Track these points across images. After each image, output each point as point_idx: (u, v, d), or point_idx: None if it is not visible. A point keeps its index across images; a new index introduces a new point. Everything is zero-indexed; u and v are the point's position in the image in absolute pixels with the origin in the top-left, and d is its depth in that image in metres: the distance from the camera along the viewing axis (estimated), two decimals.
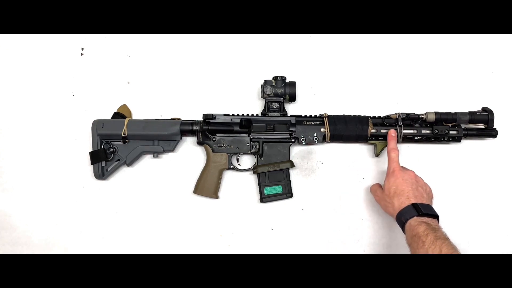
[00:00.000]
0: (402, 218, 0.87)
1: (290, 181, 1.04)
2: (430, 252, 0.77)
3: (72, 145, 1.09)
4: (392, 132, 0.99)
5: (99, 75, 1.11)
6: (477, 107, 1.03)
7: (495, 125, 1.00)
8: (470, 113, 0.99)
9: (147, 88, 1.11)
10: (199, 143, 1.04)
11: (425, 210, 0.86)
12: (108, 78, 1.11)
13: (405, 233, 0.86)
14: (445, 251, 0.76)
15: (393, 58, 1.11)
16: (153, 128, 1.02)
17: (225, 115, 1.04)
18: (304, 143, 1.02)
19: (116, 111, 1.07)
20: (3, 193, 1.09)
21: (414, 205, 0.87)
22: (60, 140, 1.10)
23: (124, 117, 1.06)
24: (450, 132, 1.00)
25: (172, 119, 1.06)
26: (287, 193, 1.04)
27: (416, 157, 1.07)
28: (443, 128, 1.00)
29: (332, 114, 1.03)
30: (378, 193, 0.98)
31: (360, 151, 1.08)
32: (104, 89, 1.11)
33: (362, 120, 1.01)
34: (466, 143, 1.05)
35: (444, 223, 1.04)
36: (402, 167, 0.96)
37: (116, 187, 1.08)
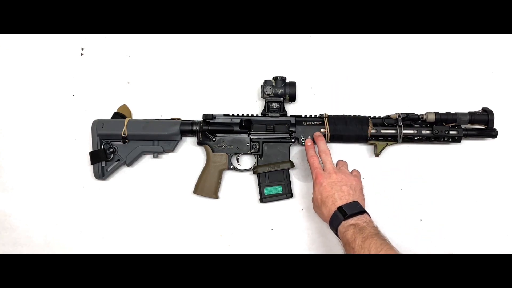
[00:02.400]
0: (332, 226, 0.85)
1: (290, 181, 1.04)
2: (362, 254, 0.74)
3: (72, 145, 1.09)
4: (308, 142, 0.98)
5: (99, 75, 1.11)
6: (477, 107, 1.03)
7: (495, 125, 1.00)
8: (470, 113, 0.99)
9: (147, 88, 1.11)
10: (199, 143, 1.04)
11: (350, 211, 0.82)
12: (108, 78, 1.11)
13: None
14: (373, 251, 0.73)
15: (393, 58, 1.11)
16: (153, 128, 1.02)
17: (225, 115, 1.04)
18: (304, 143, 1.02)
19: (116, 111, 1.07)
20: (3, 193, 1.09)
21: (339, 208, 0.83)
22: (60, 140, 1.10)
23: (124, 117, 1.06)
24: (450, 132, 1.00)
25: (172, 119, 1.06)
26: (287, 193, 1.04)
27: (416, 157, 1.07)
28: (443, 128, 1.00)
29: (332, 114, 1.03)
30: (312, 205, 0.94)
31: (360, 151, 1.08)
32: (104, 89, 1.11)
33: (362, 120, 1.01)
34: (466, 143, 1.05)
35: (444, 223, 1.05)
36: (324, 169, 0.92)
37: (116, 187, 1.08)
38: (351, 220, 0.82)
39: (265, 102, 1.03)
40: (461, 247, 1.03)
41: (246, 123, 1.02)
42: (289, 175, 1.04)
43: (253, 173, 1.05)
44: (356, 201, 0.86)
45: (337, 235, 0.85)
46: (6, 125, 1.11)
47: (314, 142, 0.99)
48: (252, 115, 1.04)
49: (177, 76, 1.11)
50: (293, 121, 1.03)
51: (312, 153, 0.96)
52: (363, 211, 0.84)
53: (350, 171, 0.97)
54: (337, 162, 0.99)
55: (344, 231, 0.80)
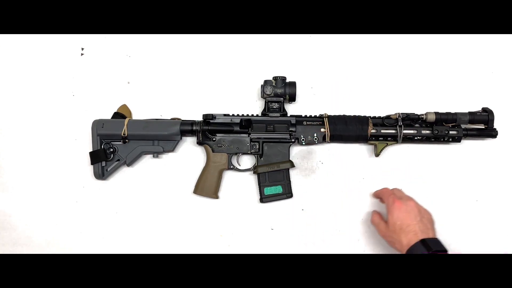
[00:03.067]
0: None
1: (290, 181, 1.04)
2: None
3: (72, 145, 1.09)
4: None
5: (99, 75, 1.11)
6: (477, 107, 1.03)
7: (495, 125, 1.00)
8: (470, 113, 0.99)
9: (147, 88, 1.11)
10: (199, 143, 1.04)
11: (434, 247, 0.83)
12: (108, 78, 1.11)
13: None
14: None
15: (393, 58, 1.11)
16: (153, 128, 1.02)
17: (225, 115, 1.04)
18: (304, 143, 1.02)
19: (116, 111, 1.07)
20: (3, 193, 1.09)
21: (423, 241, 0.84)
22: (60, 140, 1.10)
23: (124, 117, 1.06)
24: (450, 132, 1.00)
25: (172, 119, 1.06)
26: (287, 193, 1.04)
27: (416, 157, 1.07)
28: (443, 128, 1.00)
29: (332, 114, 1.03)
30: (381, 227, 0.94)
31: (360, 151, 1.08)
32: (104, 89, 1.11)
33: (362, 120, 1.01)
34: (466, 143, 1.05)
35: (445, 223, 1.05)
36: (395, 191, 0.96)
37: (116, 187, 1.08)
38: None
39: (265, 102, 1.03)
40: (461, 247, 1.03)
41: (246, 123, 1.02)
42: (289, 175, 1.04)
43: (253, 173, 1.05)
44: (438, 239, 0.86)
45: None
46: (6, 125, 1.11)
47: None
48: (252, 115, 1.04)
49: (177, 76, 1.11)
50: (293, 121, 1.03)
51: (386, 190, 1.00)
52: (445, 251, 0.84)
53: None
54: (396, 190, 1.00)
55: None
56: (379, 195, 1.01)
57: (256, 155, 1.04)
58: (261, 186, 1.04)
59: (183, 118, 1.06)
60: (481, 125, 1.01)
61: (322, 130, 1.02)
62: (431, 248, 0.82)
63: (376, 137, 1.02)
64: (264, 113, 1.04)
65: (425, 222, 0.89)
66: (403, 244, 0.86)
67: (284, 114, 1.04)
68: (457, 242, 1.04)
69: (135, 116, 1.09)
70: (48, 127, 1.10)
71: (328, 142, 1.04)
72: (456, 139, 1.01)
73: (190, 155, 1.08)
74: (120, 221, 1.07)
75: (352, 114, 1.03)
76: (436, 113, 0.99)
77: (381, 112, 1.05)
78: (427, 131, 1.00)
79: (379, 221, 0.96)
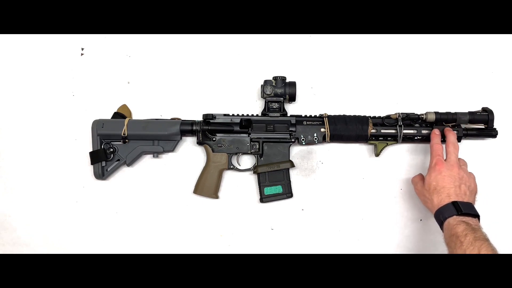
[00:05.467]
0: (440, 216, 0.86)
1: (290, 181, 1.05)
2: (468, 253, 0.75)
3: (72, 145, 1.09)
4: (436, 131, 0.98)
5: (99, 75, 1.11)
6: (477, 107, 1.03)
7: (495, 125, 1.00)
8: (470, 113, 0.99)
9: (147, 88, 1.11)
10: (199, 143, 1.04)
11: (465, 210, 0.83)
12: (108, 78, 1.11)
13: (443, 231, 0.85)
14: (484, 252, 0.75)
15: (393, 58, 1.10)
16: (153, 128, 1.02)
17: (225, 115, 1.04)
18: (304, 143, 1.02)
19: (116, 111, 1.07)
20: (3, 193, 1.09)
21: (454, 203, 0.85)
22: (60, 140, 1.10)
23: (124, 117, 1.06)
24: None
25: (172, 119, 1.06)
26: (287, 193, 1.04)
27: (416, 157, 1.07)
28: (443, 128, 1.00)
29: (332, 114, 1.03)
30: (418, 186, 0.95)
31: (360, 151, 1.08)
32: (104, 89, 1.11)
33: (362, 120, 1.01)
34: (466, 143, 1.05)
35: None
36: (446, 160, 0.92)
37: (116, 187, 1.08)
38: (464, 218, 0.83)
39: (265, 102, 1.03)
40: None
41: (246, 123, 1.02)
42: (289, 175, 1.04)
43: (253, 173, 1.05)
44: (471, 203, 0.87)
45: (440, 224, 0.86)
46: (6, 125, 1.11)
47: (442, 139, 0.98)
48: (252, 115, 1.04)
49: (177, 76, 1.11)
50: (293, 121, 1.03)
51: (437, 141, 0.96)
52: (476, 215, 0.84)
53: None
54: (459, 159, 0.96)
55: (455, 224, 0.81)
56: (432, 146, 0.97)
57: (256, 155, 1.04)
58: (261, 186, 1.04)
59: (183, 118, 1.06)
60: (481, 125, 1.01)
61: (322, 130, 1.02)
62: (461, 210, 0.83)
63: (376, 137, 1.02)
64: (264, 113, 1.04)
65: (464, 188, 0.88)
66: (434, 204, 0.88)
67: (284, 114, 1.04)
68: None
69: (135, 116, 1.09)
70: (48, 127, 1.10)
71: (328, 142, 1.04)
72: (456, 139, 1.01)
73: (190, 155, 1.08)
74: (120, 221, 1.07)
75: (352, 114, 1.03)
76: (436, 113, 0.99)
77: (381, 112, 1.05)
78: (427, 131, 1.00)
79: (418, 180, 0.97)
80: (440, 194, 0.88)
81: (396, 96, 1.09)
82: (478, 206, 1.05)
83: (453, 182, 0.88)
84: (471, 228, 0.79)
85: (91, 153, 1.03)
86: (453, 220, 0.83)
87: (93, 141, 1.03)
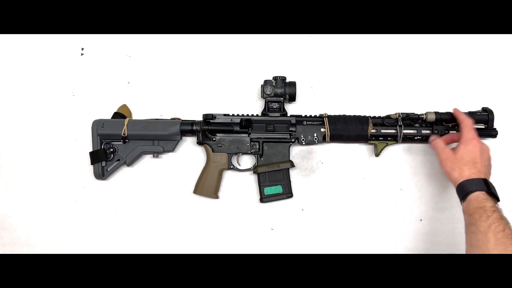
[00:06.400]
0: (468, 187, 0.87)
1: (290, 181, 1.05)
2: (492, 227, 0.78)
3: (72, 145, 1.09)
4: (457, 109, 0.98)
5: (99, 75, 1.11)
6: (477, 107, 1.03)
7: (495, 125, 1.00)
8: (470, 113, 0.99)
9: (147, 88, 1.11)
10: (199, 143, 1.04)
11: (493, 191, 0.86)
12: (108, 78, 1.11)
13: (462, 201, 0.87)
14: (508, 231, 0.77)
15: (393, 58, 1.10)
16: (153, 128, 1.02)
17: (225, 115, 1.04)
18: (304, 143, 1.02)
19: (116, 111, 1.07)
20: (3, 193, 1.09)
21: (486, 181, 0.87)
22: (60, 140, 1.10)
23: (124, 117, 1.06)
24: (450, 132, 1.00)
25: (172, 119, 1.06)
26: (287, 193, 1.04)
27: (416, 157, 1.07)
28: (443, 128, 1.00)
29: (332, 114, 1.03)
30: (446, 152, 0.93)
31: (360, 151, 1.08)
32: (104, 89, 1.11)
33: (362, 120, 1.01)
34: None
35: (445, 223, 1.05)
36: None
37: (116, 187, 1.08)
38: (491, 197, 0.85)
39: (265, 102, 1.03)
40: (461, 247, 1.03)
41: (246, 123, 1.02)
42: (289, 175, 1.04)
43: (253, 173, 1.05)
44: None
45: (462, 194, 0.87)
46: (6, 125, 1.11)
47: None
48: (252, 115, 1.04)
49: (177, 76, 1.11)
50: (293, 121, 1.03)
51: (466, 116, 0.96)
52: (498, 199, 0.87)
53: None
54: None
55: (485, 199, 0.84)
56: (458, 117, 0.97)
57: (256, 155, 1.04)
58: (261, 186, 1.04)
59: (183, 118, 1.06)
60: (481, 125, 1.01)
61: (322, 130, 1.02)
62: (490, 189, 0.85)
63: (376, 137, 1.02)
64: (264, 113, 1.04)
65: (490, 170, 0.92)
66: (464, 175, 0.88)
67: (284, 114, 1.04)
68: (457, 242, 1.04)
69: (135, 116, 1.09)
70: (48, 127, 1.10)
71: (328, 142, 1.04)
72: None
73: (190, 155, 1.08)
74: (120, 221, 1.07)
75: (352, 114, 1.03)
76: (436, 113, 0.99)
77: (381, 112, 1.05)
78: (427, 131, 1.00)
79: (444, 146, 0.95)
80: (472, 167, 0.88)
81: (396, 96, 1.09)
82: None
83: (485, 161, 0.91)
84: (498, 208, 0.83)
85: (91, 153, 1.03)
86: (483, 195, 0.85)
87: (93, 141, 1.03)
